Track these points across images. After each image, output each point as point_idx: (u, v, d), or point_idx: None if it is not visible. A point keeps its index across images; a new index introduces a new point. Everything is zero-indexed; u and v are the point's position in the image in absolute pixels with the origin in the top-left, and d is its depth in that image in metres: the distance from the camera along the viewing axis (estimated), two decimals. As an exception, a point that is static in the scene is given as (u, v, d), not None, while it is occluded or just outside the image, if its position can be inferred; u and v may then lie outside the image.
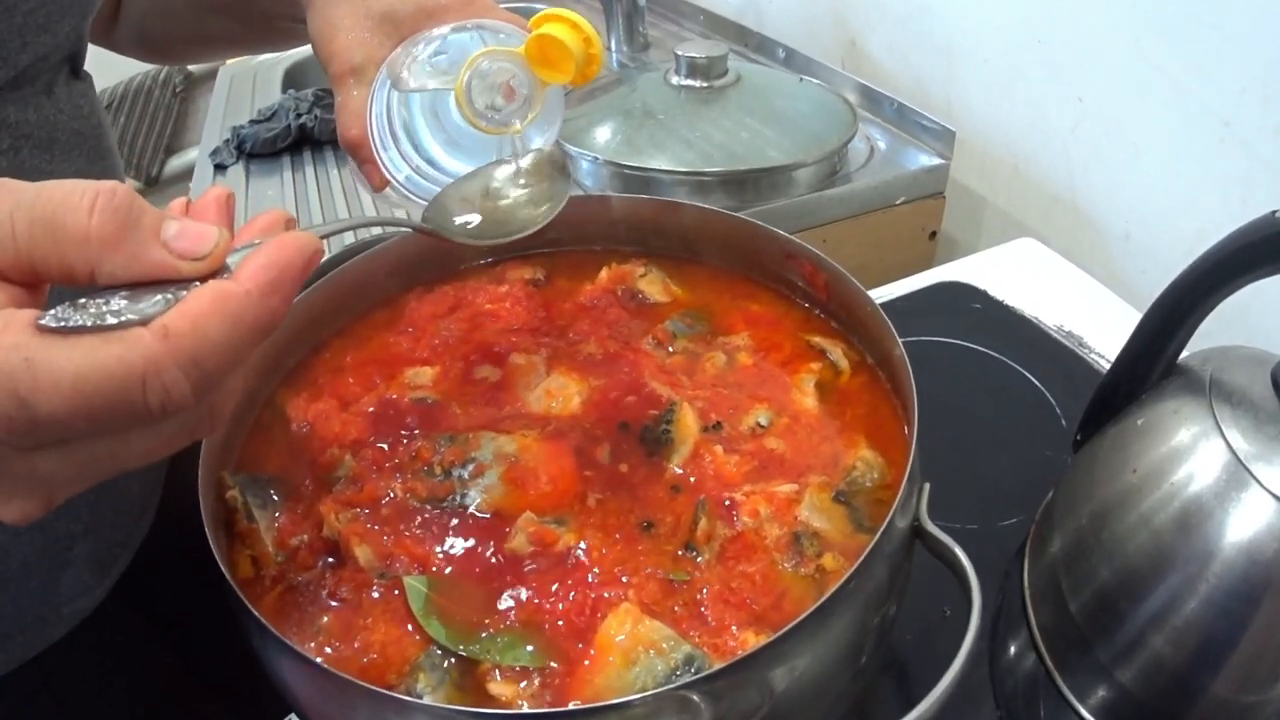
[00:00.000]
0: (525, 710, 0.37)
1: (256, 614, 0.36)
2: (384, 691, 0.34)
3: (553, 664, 0.38)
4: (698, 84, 1.02)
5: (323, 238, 0.33)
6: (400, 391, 0.51)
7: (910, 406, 0.45)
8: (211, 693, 0.70)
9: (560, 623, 0.39)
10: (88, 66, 0.54)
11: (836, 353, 0.53)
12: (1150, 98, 0.81)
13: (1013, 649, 0.50)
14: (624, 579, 0.41)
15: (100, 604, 0.58)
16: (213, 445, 0.45)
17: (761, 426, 0.49)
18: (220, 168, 1.13)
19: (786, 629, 0.34)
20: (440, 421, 0.49)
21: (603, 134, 0.98)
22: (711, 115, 0.99)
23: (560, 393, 0.50)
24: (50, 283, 0.28)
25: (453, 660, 0.38)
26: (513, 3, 1.40)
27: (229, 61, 1.47)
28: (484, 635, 0.39)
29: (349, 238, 0.97)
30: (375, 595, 0.41)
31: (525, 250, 0.47)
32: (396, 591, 0.41)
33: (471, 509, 0.44)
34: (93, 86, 0.55)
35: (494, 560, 0.42)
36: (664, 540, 0.43)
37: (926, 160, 1.00)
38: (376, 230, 0.97)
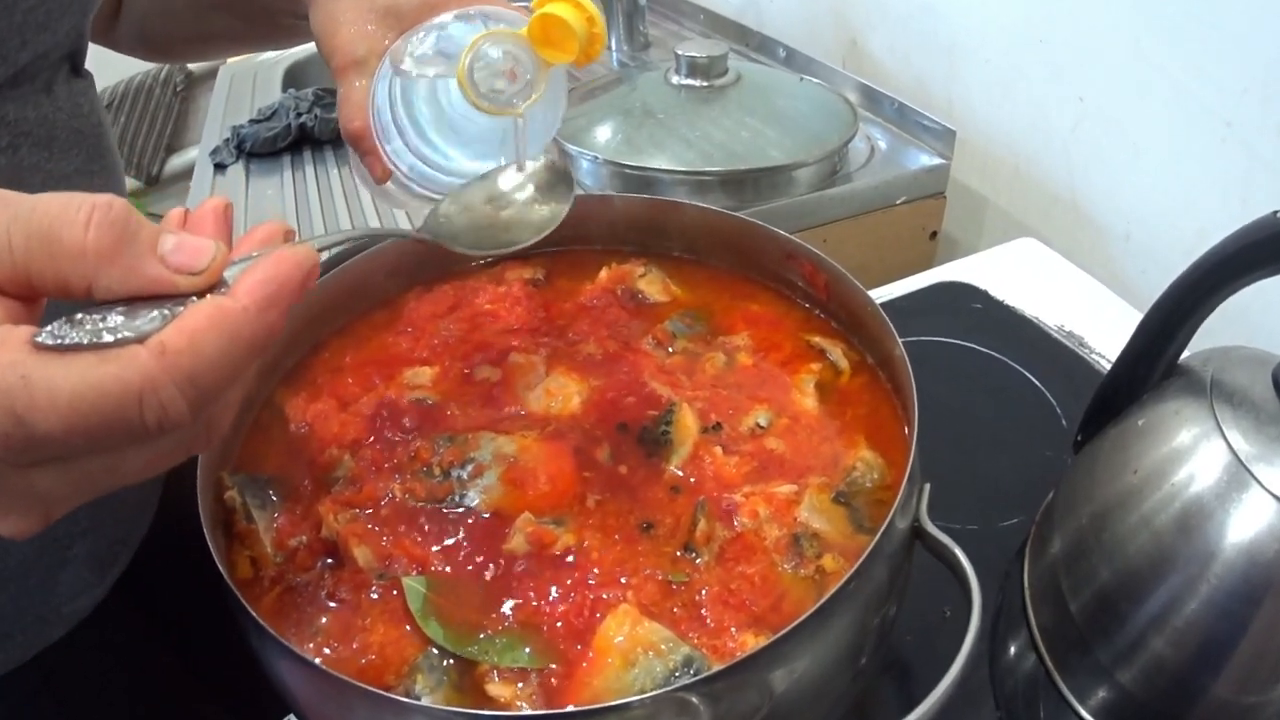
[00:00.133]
0: (524, 712, 0.37)
1: (255, 615, 0.36)
2: (382, 693, 0.34)
3: (551, 665, 0.38)
4: (698, 83, 1.02)
5: (323, 249, 0.32)
6: (399, 392, 0.51)
7: (910, 407, 0.44)
8: (211, 692, 0.70)
9: (559, 624, 0.39)
10: (88, 65, 0.54)
11: (836, 353, 0.53)
12: (1151, 98, 0.81)
13: (1013, 650, 0.49)
14: (623, 580, 0.41)
15: (100, 603, 0.58)
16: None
17: (761, 427, 0.48)
18: (220, 167, 1.12)
19: (786, 630, 0.34)
20: (439, 422, 0.49)
21: (603, 133, 0.98)
22: (712, 115, 0.99)
23: (560, 393, 0.50)
24: (47, 296, 0.28)
25: (451, 661, 0.38)
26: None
27: (229, 60, 1.47)
28: (482, 636, 0.39)
29: (349, 237, 0.97)
30: (374, 596, 0.41)
31: (525, 250, 0.47)
32: (395, 592, 0.41)
33: (470, 510, 0.44)
34: (93, 85, 0.55)
35: (492, 561, 0.42)
36: (663, 541, 0.43)
37: (927, 160, 1.00)
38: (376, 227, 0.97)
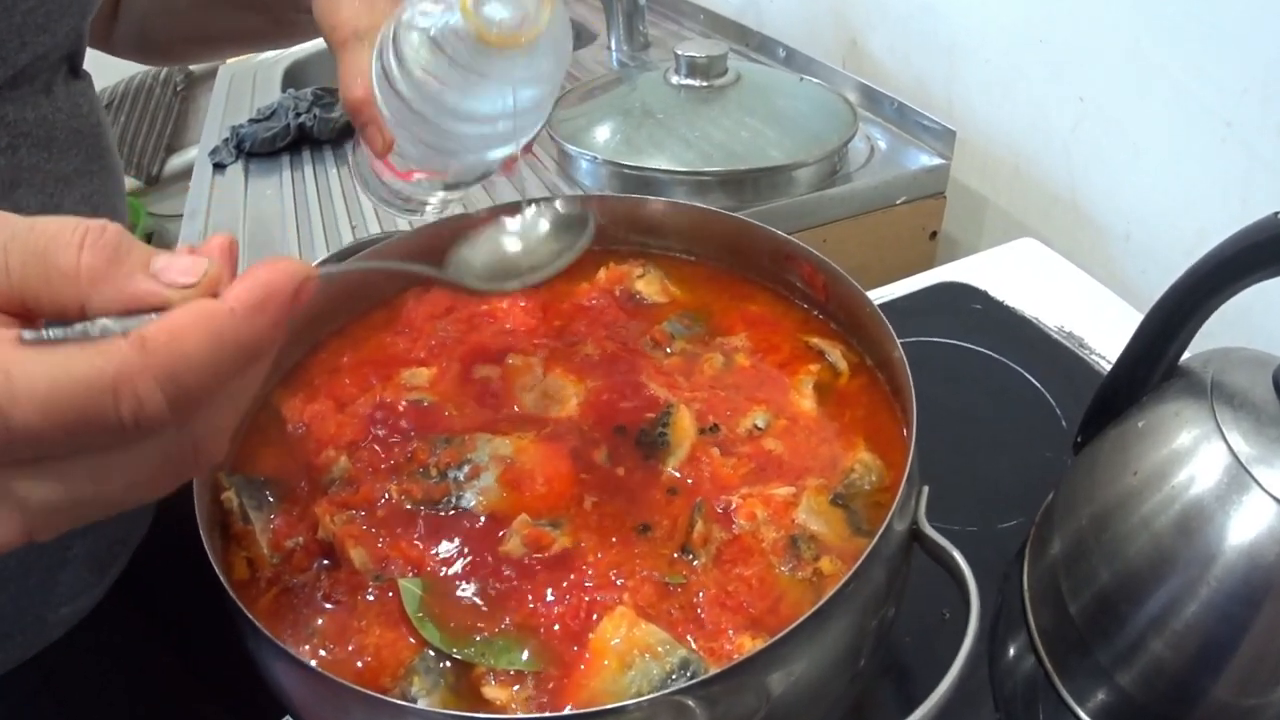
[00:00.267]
0: (519, 715, 0.37)
1: (251, 617, 0.36)
2: (378, 695, 0.34)
3: (548, 668, 0.38)
4: (698, 83, 1.02)
5: (322, 264, 0.32)
6: (397, 393, 0.51)
7: (909, 408, 0.44)
8: (210, 692, 0.70)
9: (555, 626, 0.39)
10: (88, 65, 0.54)
11: (835, 354, 0.53)
12: (1150, 98, 0.81)
13: (1012, 651, 0.49)
14: (619, 582, 0.41)
15: (99, 603, 0.58)
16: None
17: (759, 428, 0.48)
18: (219, 167, 1.12)
19: (783, 633, 0.34)
20: (436, 423, 0.49)
21: (602, 133, 0.98)
22: (711, 115, 0.99)
23: (557, 394, 0.50)
24: (43, 317, 0.28)
25: (447, 664, 0.38)
26: None
27: (229, 60, 1.47)
28: (478, 638, 0.39)
29: (347, 236, 0.97)
30: (370, 598, 0.41)
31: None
32: (391, 594, 0.41)
33: (467, 511, 0.44)
34: (92, 85, 0.55)
35: (490, 562, 0.42)
36: (660, 543, 0.43)
37: (927, 160, 1.00)
38: (376, 231, 0.97)
